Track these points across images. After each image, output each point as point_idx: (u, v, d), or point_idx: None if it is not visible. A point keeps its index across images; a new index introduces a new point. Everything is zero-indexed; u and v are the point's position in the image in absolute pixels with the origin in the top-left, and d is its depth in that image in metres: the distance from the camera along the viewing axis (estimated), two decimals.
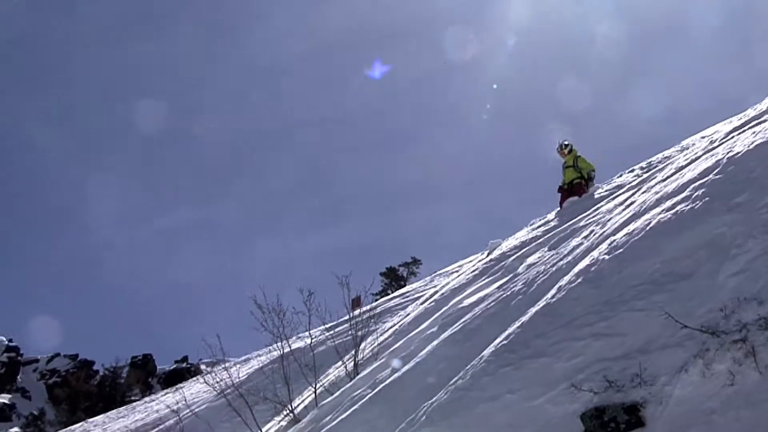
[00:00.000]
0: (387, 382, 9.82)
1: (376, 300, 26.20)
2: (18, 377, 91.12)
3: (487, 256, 17.09)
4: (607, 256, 8.44)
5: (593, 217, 12.37)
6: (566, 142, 19.01)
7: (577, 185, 18.21)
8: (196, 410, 18.13)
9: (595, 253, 8.89)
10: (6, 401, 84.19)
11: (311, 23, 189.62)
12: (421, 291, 22.62)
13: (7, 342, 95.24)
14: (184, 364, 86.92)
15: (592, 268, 8.39)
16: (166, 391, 36.44)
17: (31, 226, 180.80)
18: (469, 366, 8.00)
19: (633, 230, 8.72)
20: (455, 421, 7.18)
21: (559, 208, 17.86)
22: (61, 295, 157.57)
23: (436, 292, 17.37)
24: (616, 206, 11.88)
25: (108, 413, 34.89)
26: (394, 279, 56.63)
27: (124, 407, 36.20)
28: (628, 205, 10.94)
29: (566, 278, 8.71)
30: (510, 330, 8.23)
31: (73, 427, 34.50)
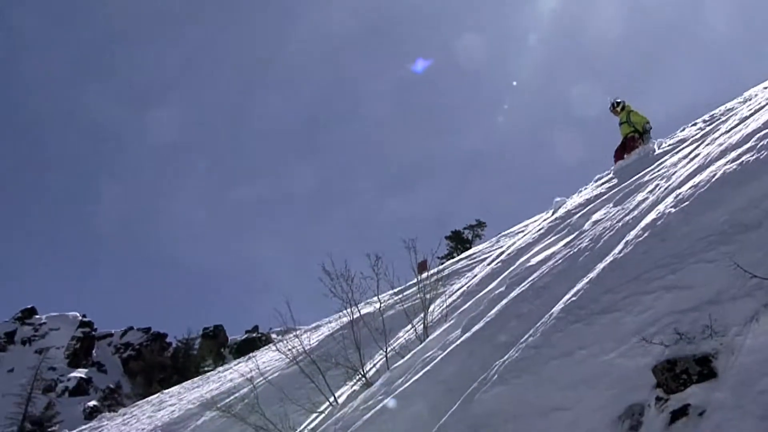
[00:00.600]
0: (458, 342, 9.91)
1: (442, 263, 26.28)
2: (93, 352, 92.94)
3: (553, 214, 17.07)
4: (673, 210, 8.42)
5: (658, 171, 12.29)
6: (618, 100, 19.01)
7: (630, 138, 18.21)
8: (270, 378, 18.40)
9: (661, 207, 8.86)
10: (83, 375, 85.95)
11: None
12: (487, 252, 22.66)
13: (81, 317, 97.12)
14: (255, 334, 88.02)
15: (659, 222, 8.37)
16: (238, 360, 36.91)
17: (105, 204, 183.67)
18: (539, 323, 8.05)
19: (698, 183, 8.68)
20: (528, 378, 7.24)
21: (613, 166, 17.80)
22: (132, 270, 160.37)
23: (502, 253, 17.40)
24: (680, 159, 11.81)
25: (183, 384, 35.43)
26: (459, 242, 56.80)
27: (198, 378, 36.69)
28: (693, 158, 10.87)
29: (633, 233, 8.70)
30: (579, 286, 8.26)
31: (149, 398, 35.09)
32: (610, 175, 17.05)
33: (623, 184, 13.39)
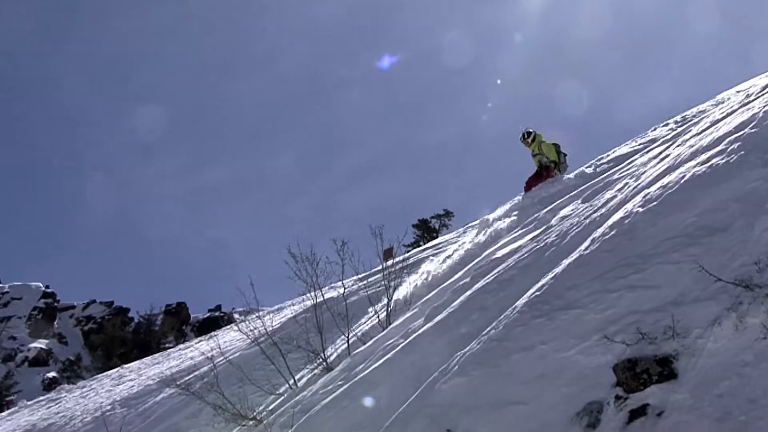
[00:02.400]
0: (420, 331, 9.90)
1: (409, 251, 26.25)
2: (55, 323, 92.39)
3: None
4: (641, 209, 8.44)
5: (627, 170, 12.32)
6: (529, 130, 18.85)
7: (546, 168, 18.25)
8: (230, 357, 18.31)
9: (629, 206, 8.88)
10: (43, 347, 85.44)
11: None
12: (453, 242, 22.63)
13: (43, 288, 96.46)
14: (218, 313, 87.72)
15: (626, 221, 8.39)
16: (200, 338, 36.76)
17: (71, 177, 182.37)
18: (502, 316, 8.05)
19: (667, 183, 8.70)
20: (488, 371, 7.24)
21: (523, 192, 17.91)
22: (96, 243, 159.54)
23: (468, 244, 17.41)
24: (650, 159, 11.84)
25: (143, 360, 35.19)
26: (426, 231, 56.77)
27: (159, 354, 36.53)
28: (663, 159, 10.90)
29: (600, 230, 8.71)
30: (543, 281, 8.27)
31: (109, 372, 34.87)
32: (517, 201, 17.25)
33: (592, 181, 13.39)
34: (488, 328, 7.98)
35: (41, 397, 33.24)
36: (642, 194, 9.00)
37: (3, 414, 33.06)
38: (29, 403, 31.97)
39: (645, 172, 10.68)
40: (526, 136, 18.80)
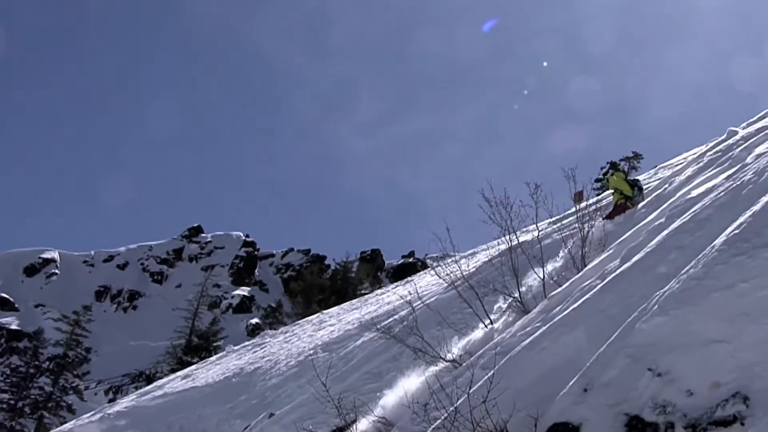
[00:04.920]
0: (617, 272, 9.93)
1: (599, 194, 26.12)
2: (256, 271, 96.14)
3: (727, 139, 16.80)
4: None
5: None
6: (604, 171, 18.72)
7: (620, 205, 17.95)
8: (427, 302, 18.65)
9: None
10: (246, 294, 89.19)
11: None
12: (645, 184, 22.37)
13: (244, 237, 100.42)
14: (411, 259, 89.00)
15: None
16: (396, 283, 37.41)
17: (270, 132, 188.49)
18: (700, 255, 8.02)
19: None
20: (688, 310, 7.26)
21: (605, 220, 17.61)
22: (293, 194, 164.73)
23: (661, 184, 17.24)
24: None
25: (342, 305, 36.15)
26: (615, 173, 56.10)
27: (356, 299, 37.35)
28: None
29: None
30: (742, 219, 8.18)
31: (310, 317, 36.00)
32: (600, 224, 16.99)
33: None
34: (687, 267, 7.96)
35: (247, 342, 34.70)
36: None
37: (212, 358, 34.70)
38: (236, 348, 33.43)
39: None
40: (604, 175, 18.80)
